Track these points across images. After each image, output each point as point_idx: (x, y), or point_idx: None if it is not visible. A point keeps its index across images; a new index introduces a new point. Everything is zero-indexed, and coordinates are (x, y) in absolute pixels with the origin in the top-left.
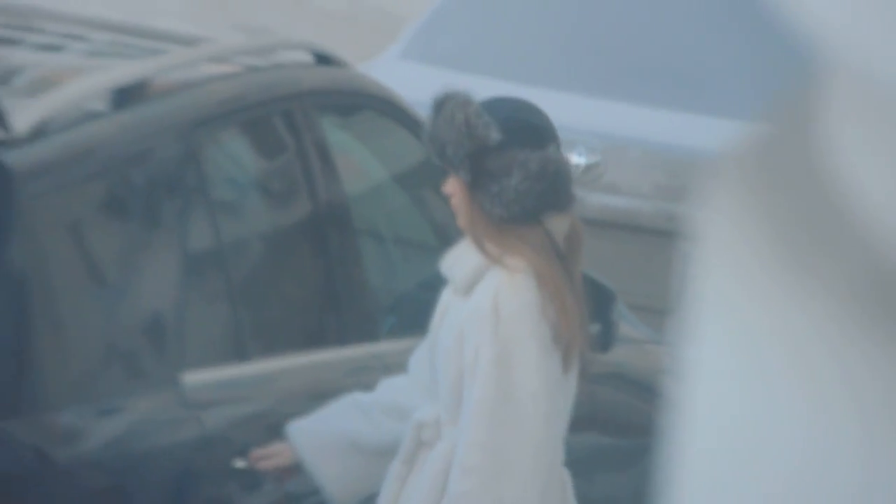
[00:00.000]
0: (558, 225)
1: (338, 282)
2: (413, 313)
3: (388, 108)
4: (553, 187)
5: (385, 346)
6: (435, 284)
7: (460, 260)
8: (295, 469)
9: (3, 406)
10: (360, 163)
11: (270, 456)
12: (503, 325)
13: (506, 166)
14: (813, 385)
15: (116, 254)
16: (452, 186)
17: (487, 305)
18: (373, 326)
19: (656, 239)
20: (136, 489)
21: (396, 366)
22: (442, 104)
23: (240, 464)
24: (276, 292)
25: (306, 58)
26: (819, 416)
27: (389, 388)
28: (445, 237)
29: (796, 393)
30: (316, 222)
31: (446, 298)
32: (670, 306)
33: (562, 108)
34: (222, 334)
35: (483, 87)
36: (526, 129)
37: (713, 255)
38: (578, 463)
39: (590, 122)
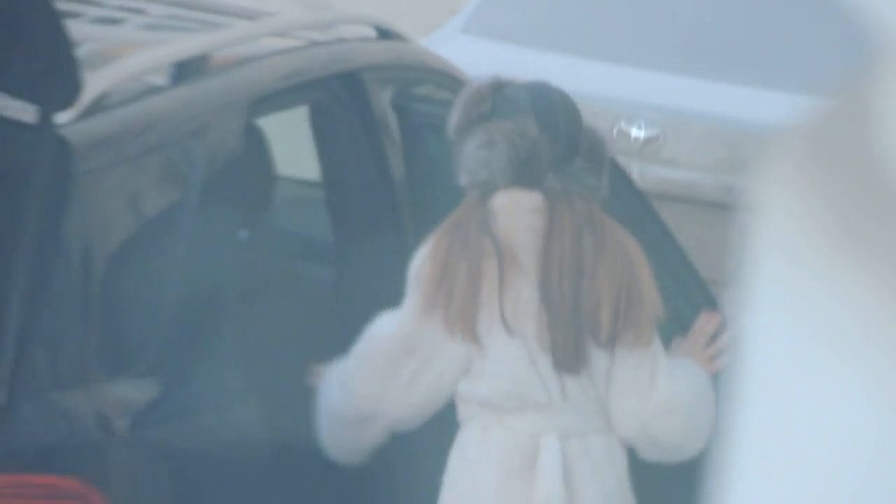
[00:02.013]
0: (517, 200)
1: (401, 257)
2: None
3: (448, 83)
4: (505, 157)
5: None
6: None
7: None
8: None
9: (62, 376)
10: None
11: None
12: None
13: (470, 136)
14: (866, 365)
15: (174, 228)
16: None
17: None
18: None
19: (716, 212)
20: (195, 462)
21: None
22: None
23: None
24: (344, 267)
25: (367, 32)
26: (872, 396)
27: None
28: None
29: (850, 372)
30: (377, 197)
31: None
32: (729, 279)
33: (622, 81)
34: (281, 307)
35: (543, 62)
36: (506, 102)
37: (769, 229)
38: None
39: (651, 96)
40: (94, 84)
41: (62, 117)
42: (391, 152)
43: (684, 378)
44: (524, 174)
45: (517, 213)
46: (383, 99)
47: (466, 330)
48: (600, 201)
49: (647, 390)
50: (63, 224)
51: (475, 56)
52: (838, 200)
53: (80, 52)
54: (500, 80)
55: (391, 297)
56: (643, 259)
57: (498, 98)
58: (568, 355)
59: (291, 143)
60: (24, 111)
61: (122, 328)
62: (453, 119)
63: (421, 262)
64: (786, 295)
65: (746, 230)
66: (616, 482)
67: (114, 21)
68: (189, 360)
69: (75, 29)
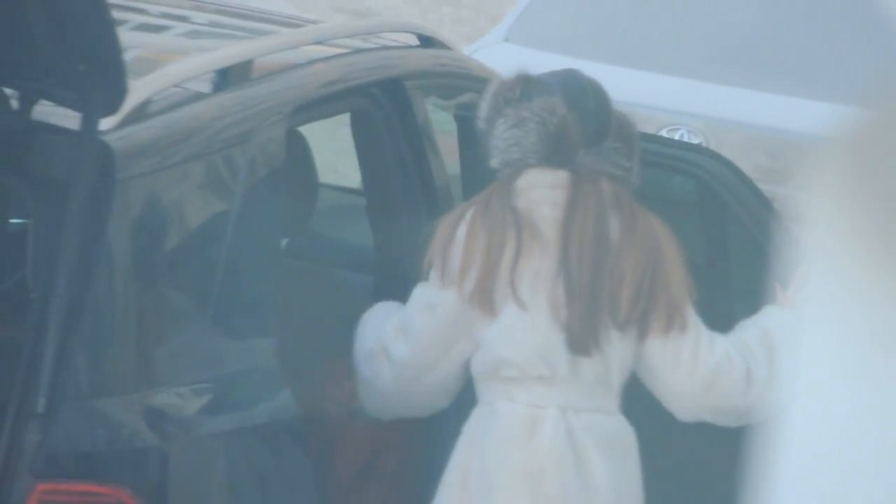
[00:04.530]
0: (542, 176)
1: None
2: None
3: None
4: (535, 134)
5: None
6: None
7: None
8: None
9: (102, 385)
10: None
11: None
12: None
13: (500, 120)
14: None
15: (215, 235)
16: None
17: None
18: None
19: None
20: (234, 471)
21: None
22: None
23: None
24: (382, 273)
25: (410, 40)
26: None
27: None
28: None
29: (882, 374)
30: (417, 204)
31: None
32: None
33: (665, 90)
34: (321, 315)
35: (586, 71)
36: (533, 86)
37: (808, 237)
38: (678, 434)
39: (693, 105)
40: (138, 91)
41: (105, 124)
42: (432, 160)
43: (728, 346)
44: (554, 151)
45: (541, 188)
46: (425, 106)
47: (483, 301)
48: (631, 187)
49: (692, 368)
50: (105, 231)
51: (518, 64)
52: (875, 209)
53: (125, 58)
54: (528, 73)
55: None
56: (674, 247)
57: (526, 84)
58: (582, 336)
59: (333, 151)
60: (67, 118)
61: (162, 336)
62: (482, 108)
63: (440, 232)
64: (823, 300)
65: (787, 237)
66: (623, 461)
67: (157, 28)
68: (230, 367)
69: (120, 36)
